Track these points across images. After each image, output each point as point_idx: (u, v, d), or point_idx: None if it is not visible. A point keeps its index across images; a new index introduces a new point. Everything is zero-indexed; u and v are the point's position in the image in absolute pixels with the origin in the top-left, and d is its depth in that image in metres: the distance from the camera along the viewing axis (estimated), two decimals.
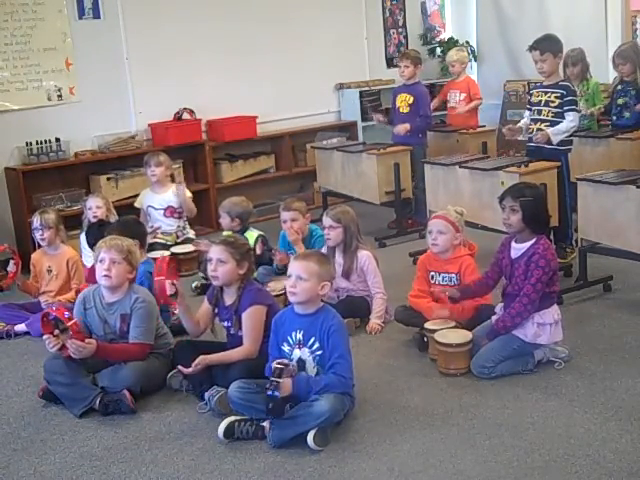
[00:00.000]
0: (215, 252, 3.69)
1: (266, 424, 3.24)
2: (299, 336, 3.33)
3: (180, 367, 3.62)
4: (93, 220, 5.36)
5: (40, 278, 5.04)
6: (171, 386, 3.80)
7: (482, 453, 3.06)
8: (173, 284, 3.58)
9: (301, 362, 3.33)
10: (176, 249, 5.81)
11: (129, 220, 4.81)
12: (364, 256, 4.50)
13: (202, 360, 3.56)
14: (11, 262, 4.99)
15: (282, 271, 4.86)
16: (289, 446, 3.17)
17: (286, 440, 3.18)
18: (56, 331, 3.59)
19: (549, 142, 5.08)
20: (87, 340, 3.60)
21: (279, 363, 3.21)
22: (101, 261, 3.79)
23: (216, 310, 3.81)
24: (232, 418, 3.31)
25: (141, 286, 4.06)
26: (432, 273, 4.23)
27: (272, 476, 3.02)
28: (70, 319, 3.57)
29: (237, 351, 3.63)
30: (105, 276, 3.77)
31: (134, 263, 3.87)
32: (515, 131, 5.43)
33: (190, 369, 3.55)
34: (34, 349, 4.50)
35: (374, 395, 3.61)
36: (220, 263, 3.66)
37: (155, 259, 4.21)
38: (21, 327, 4.76)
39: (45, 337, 3.61)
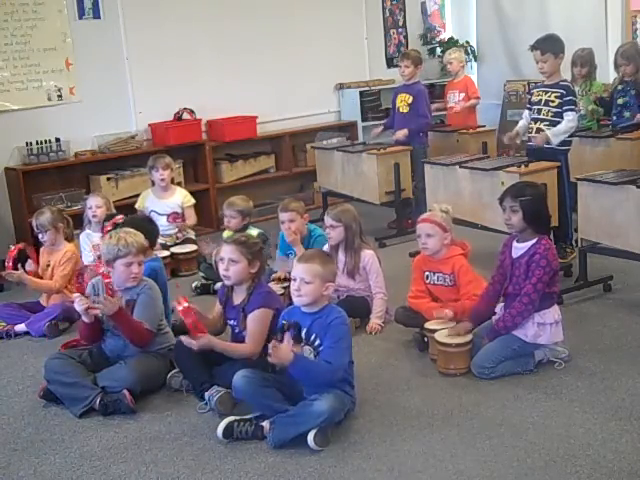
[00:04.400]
0: (227, 252, 3.68)
1: (265, 424, 3.24)
2: (302, 334, 3.33)
3: (183, 337, 3.53)
4: (93, 220, 5.36)
5: (42, 273, 5.04)
6: (171, 386, 3.80)
7: (482, 453, 3.06)
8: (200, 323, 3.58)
9: None
10: (176, 249, 5.81)
11: (142, 218, 4.81)
12: (367, 255, 4.51)
13: (208, 338, 3.53)
14: (29, 261, 4.99)
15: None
16: (289, 446, 3.17)
17: (286, 441, 3.18)
18: (87, 293, 3.78)
19: (548, 143, 5.07)
20: (116, 297, 3.75)
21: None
22: (130, 264, 3.81)
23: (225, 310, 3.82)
24: (231, 418, 3.31)
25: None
26: (427, 273, 4.22)
27: (272, 476, 3.02)
28: (106, 276, 3.76)
29: (241, 346, 3.61)
30: (134, 278, 3.84)
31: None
32: (513, 137, 5.41)
33: (195, 342, 3.48)
34: (34, 349, 4.51)
35: (374, 395, 3.61)
36: (232, 262, 3.65)
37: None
38: (21, 327, 4.76)
39: (76, 295, 3.76)
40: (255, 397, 3.32)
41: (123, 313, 3.73)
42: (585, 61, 6.06)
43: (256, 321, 3.61)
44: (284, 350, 3.16)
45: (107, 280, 3.83)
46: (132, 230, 4.01)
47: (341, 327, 3.31)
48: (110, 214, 5.11)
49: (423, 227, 4.17)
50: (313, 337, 3.32)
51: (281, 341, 3.16)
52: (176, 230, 6.01)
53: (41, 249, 5.09)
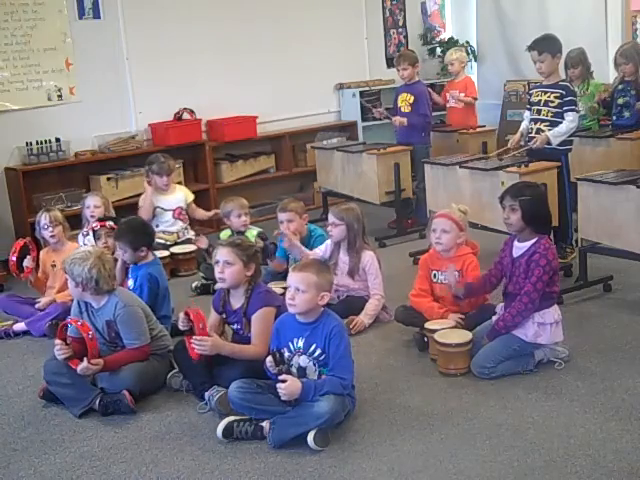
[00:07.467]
0: (222, 254, 3.66)
1: (265, 424, 3.24)
2: (300, 344, 3.32)
3: (193, 342, 3.49)
4: (91, 219, 5.35)
5: (45, 274, 5.04)
6: (171, 386, 3.80)
7: (482, 453, 3.06)
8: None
9: (301, 370, 3.32)
10: (175, 249, 5.82)
11: (137, 221, 4.77)
12: (367, 256, 4.51)
13: (215, 342, 3.51)
14: (28, 257, 4.98)
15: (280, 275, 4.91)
16: (289, 446, 3.17)
17: (286, 441, 3.18)
18: (69, 339, 3.59)
19: (549, 144, 5.07)
20: (94, 361, 3.57)
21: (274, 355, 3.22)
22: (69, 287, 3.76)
23: (224, 315, 3.79)
24: (231, 418, 3.31)
25: (137, 287, 4.13)
26: (434, 272, 4.22)
27: (272, 476, 3.02)
28: (92, 339, 3.56)
29: (248, 348, 3.59)
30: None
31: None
32: (517, 141, 5.38)
33: (200, 347, 3.47)
34: (34, 349, 4.51)
35: (374, 395, 3.61)
36: (227, 265, 3.63)
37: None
38: (21, 326, 4.76)
39: (57, 342, 3.59)
40: (252, 406, 3.30)
41: (108, 363, 3.64)
42: (576, 62, 6.05)
43: (260, 321, 3.59)
44: (290, 386, 3.15)
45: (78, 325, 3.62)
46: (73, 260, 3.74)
47: (342, 335, 3.30)
48: (101, 217, 5.13)
49: (440, 222, 4.17)
50: (313, 348, 3.30)
51: (281, 379, 3.16)
52: (178, 227, 6.02)
53: (42, 251, 5.09)
